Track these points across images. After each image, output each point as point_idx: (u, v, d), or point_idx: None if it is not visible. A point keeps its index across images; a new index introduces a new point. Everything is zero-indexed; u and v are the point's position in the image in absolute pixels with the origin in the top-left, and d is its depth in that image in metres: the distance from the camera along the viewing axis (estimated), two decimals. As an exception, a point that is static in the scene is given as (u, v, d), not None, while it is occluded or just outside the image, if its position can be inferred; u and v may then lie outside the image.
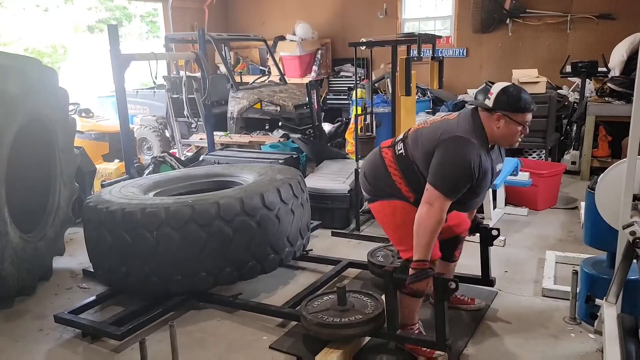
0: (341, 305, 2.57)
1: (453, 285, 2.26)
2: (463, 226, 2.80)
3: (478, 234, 2.96)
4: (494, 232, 2.92)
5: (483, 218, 2.99)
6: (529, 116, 2.35)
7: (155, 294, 3.03)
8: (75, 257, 3.97)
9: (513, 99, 2.31)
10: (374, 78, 6.78)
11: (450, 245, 2.77)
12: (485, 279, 3.05)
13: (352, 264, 3.55)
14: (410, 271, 2.32)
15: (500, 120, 2.33)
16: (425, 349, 2.49)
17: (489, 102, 2.34)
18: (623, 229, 2.22)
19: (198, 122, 6.52)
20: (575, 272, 2.78)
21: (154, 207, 2.91)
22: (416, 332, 2.56)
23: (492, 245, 2.98)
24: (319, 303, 2.66)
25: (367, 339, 2.67)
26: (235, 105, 6.58)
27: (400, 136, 2.58)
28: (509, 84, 2.38)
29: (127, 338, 2.74)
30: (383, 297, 2.52)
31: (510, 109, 2.31)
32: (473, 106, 2.45)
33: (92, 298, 3.18)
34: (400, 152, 2.48)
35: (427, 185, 2.31)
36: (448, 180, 2.28)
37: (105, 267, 3.11)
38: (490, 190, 4.28)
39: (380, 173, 2.52)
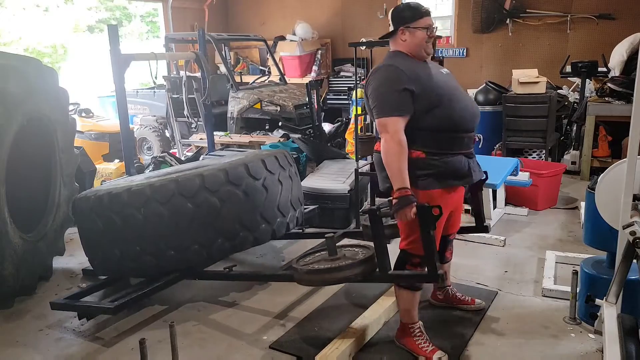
0: (332, 255, 2.52)
1: (437, 212, 2.21)
2: (454, 228, 2.78)
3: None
4: (482, 176, 2.74)
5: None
6: (428, 19, 2.46)
7: (151, 273, 3.03)
8: (75, 257, 3.97)
9: (404, 10, 2.46)
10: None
11: (440, 247, 2.75)
12: (479, 225, 2.96)
13: (348, 234, 3.55)
14: (393, 201, 2.29)
15: (404, 34, 2.45)
16: (425, 349, 2.49)
17: (390, 29, 2.50)
18: (623, 229, 2.22)
19: (198, 122, 6.52)
20: (575, 272, 2.78)
21: (139, 186, 2.94)
22: (417, 330, 2.56)
23: (482, 190, 2.90)
24: (311, 258, 2.62)
25: (368, 338, 2.67)
26: (235, 105, 6.58)
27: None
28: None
29: (121, 326, 2.73)
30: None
31: (407, 20, 2.44)
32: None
33: (90, 284, 3.22)
34: (378, 135, 2.54)
35: (375, 121, 2.39)
36: (382, 100, 2.35)
37: (100, 254, 3.12)
38: (490, 189, 4.28)
39: (379, 158, 2.50)
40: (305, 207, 3.73)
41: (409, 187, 2.28)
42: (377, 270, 2.43)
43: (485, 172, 2.73)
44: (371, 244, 2.46)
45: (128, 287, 3.14)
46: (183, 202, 2.88)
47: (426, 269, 2.35)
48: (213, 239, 2.96)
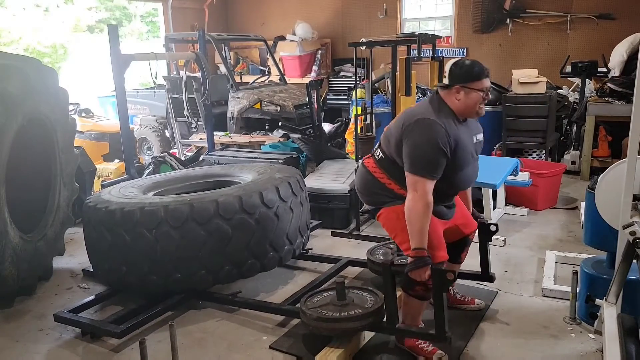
0: (340, 300, 2.56)
1: (451, 276, 2.24)
2: (470, 227, 2.79)
3: (477, 231, 2.95)
4: (493, 228, 2.90)
5: (483, 218, 2.98)
6: (486, 82, 2.42)
7: (155, 292, 3.03)
8: (75, 257, 3.97)
9: (466, 70, 2.41)
10: (374, 78, 6.78)
11: (458, 247, 2.77)
12: (485, 275, 3.03)
13: (352, 263, 3.55)
14: (409, 260, 2.32)
15: (459, 92, 2.40)
16: (425, 349, 2.49)
17: (446, 80, 2.45)
18: (623, 229, 2.22)
19: (198, 122, 6.52)
20: (575, 272, 2.78)
21: (152, 206, 2.92)
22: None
23: (490, 241, 2.97)
24: (319, 299, 2.65)
25: (367, 338, 2.67)
26: (235, 105, 6.58)
27: (377, 144, 2.65)
28: (459, 58, 2.46)
29: (127, 337, 2.74)
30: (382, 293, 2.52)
31: (466, 80, 2.39)
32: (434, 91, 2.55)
33: (92, 297, 3.18)
34: (380, 156, 2.55)
35: (406, 173, 2.35)
36: (421, 161, 2.32)
37: (105, 266, 3.11)
38: (490, 190, 4.28)
39: (370, 182, 2.57)
40: (310, 221, 3.74)
41: (426, 247, 2.31)
42: (385, 321, 2.48)
43: (493, 224, 2.89)
44: (377, 279, 2.56)
45: (131, 302, 3.09)
46: (196, 227, 2.87)
47: (434, 329, 2.37)
48: (221, 265, 2.98)
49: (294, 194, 3.30)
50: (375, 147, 2.65)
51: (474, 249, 3.05)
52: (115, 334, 2.70)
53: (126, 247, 2.92)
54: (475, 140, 2.55)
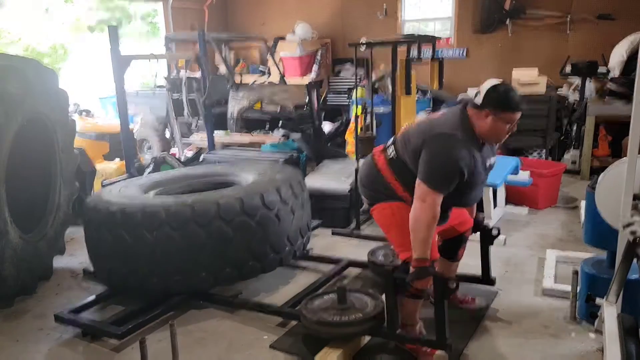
0: (341, 304, 2.57)
1: (453, 285, 2.26)
2: (466, 225, 2.79)
3: (479, 234, 2.96)
4: (494, 232, 2.93)
5: (484, 217, 2.99)
6: (518, 115, 2.37)
7: (156, 293, 3.03)
8: (75, 256, 3.97)
9: (502, 98, 2.32)
10: (374, 78, 6.78)
11: (454, 245, 2.78)
12: (486, 278, 3.05)
13: (353, 264, 3.54)
14: (411, 269, 2.32)
15: (488, 117, 2.33)
16: (425, 349, 2.49)
17: (479, 99, 2.35)
18: (623, 228, 2.22)
19: (198, 122, 6.52)
20: (576, 272, 2.78)
21: (154, 207, 2.92)
22: (417, 331, 2.55)
23: (492, 244, 2.98)
24: (319, 302, 2.66)
25: (367, 338, 2.67)
26: (235, 105, 6.58)
27: (391, 140, 2.61)
28: (499, 81, 2.40)
29: (127, 337, 2.74)
30: (383, 296, 2.52)
31: (499, 108, 2.31)
32: (461, 104, 2.48)
33: (92, 297, 3.18)
34: (391, 156, 2.52)
35: (418, 181, 2.33)
36: (437, 175, 2.30)
37: (106, 266, 3.11)
38: (491, 189, 4.28)
39: (376, 177, 2.56)
40: (311, 220, 3.73)
41: (429, 257, 2.31)
42: (386, 326, 2.48)
43: (495, 228, 2.93)
44: (377, 279, 2.59)
45: (132, 303, 3.08)
46: (197, 229, 2.87)
47: (435, 335, 2.38)
48: (221, 267, 2.98)
49: (295, 195, 3.29)
50: (389, 143, 2.59)
51: (475, 250, 3.05)
52: (116, 335, 2.70)
53: (127, 248, 2.92)
54: (488, 164, 2.53)
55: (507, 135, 2.41)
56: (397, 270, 2.42)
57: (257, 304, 3.04)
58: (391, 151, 2.53)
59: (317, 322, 2.49)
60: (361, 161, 4.33)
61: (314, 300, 2.69)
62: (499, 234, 2.94)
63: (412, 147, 2.41)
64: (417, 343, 2.50)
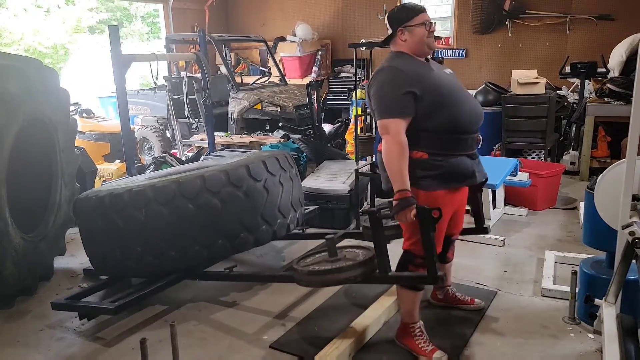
0: (332, 256, 2.52)
1: (437, 214, 2.22)
2: (457, 227, 2.77)
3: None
4: (485, 177, 2.72)
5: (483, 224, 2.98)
6: (424, 15, 2.46)
7: (152, 273, 3.04)
8: (76, 257, 3.98)
9: (397, 12, 2.47)
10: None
11: (443, 248, 2.76)
12: (479, 226, 2.95)
13: (348, 234, 3.55)
14: (393, 202, 2.30)
15: (403, 34, 2.44)
16: (425, 349, 2.50)
17: (388, 32, 2.50)
18: (622, 229, 2.23)
19: (199, 123, 6.53)
20: (575, 272, 2.79)
21: (140, 187, 2.95)
22: (417, 330, 2.56)
23: (481, 192, 2.87)
24: (311, 259, 2.63)
25: (368, 337, 2.68)
26: (235, 105, 6.59)
27: None
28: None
29: (125, 333, 2.74)
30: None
31: (402, 21, 2.44)
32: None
33: (91, 284, 3.22)
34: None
35: (377, 123, 2.39)
36: (385, 101, 2.35)
37: (101, 254, 3.13)
38: (490, 190, 4.29)
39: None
40: (305, 207, 3.74)
41: (409, 188, 2.28)
42: (377, 271, 2.43)
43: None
44: (371, 244, 2.46)
45: (129, 287, 3.14)
46: (184, 203, 2.89)
47: (426, 271, 2.35)
48: (214, 240, 2.97)
49: (282, 168, 3.29)
50: None
51: (475, 250, 3.06)
52: (110, 310, 2.73)
53: (119, 231, 2.94)
54: (447, 73, 2.56)
55: (432, 38, 2.48)
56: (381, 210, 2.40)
57: (252, 274, 3.03)
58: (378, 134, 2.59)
59: (309, 272, 2.45)
60: (361, 162, 4.37)
61: (306, 258, 2.66)
62: (486, 180, 2.71)
63: (369, 104, 2.50)
64: (409, 281, 2.48)
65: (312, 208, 4.05)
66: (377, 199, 4.52)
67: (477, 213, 2.92)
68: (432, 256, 2.28)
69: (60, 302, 2.94)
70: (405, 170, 2.29)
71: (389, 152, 2.30)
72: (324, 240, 2.60)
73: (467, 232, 3.05)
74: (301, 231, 3.62)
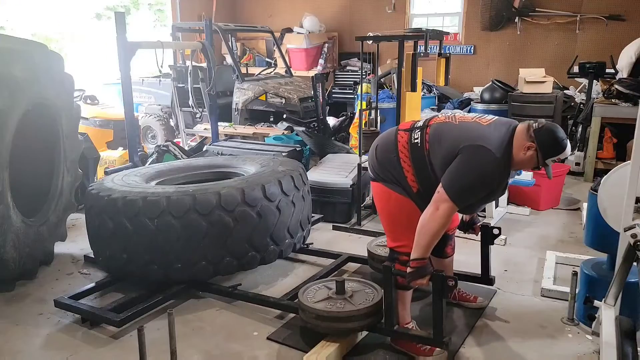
0: (339, 294, 2.57)
1: (452, 283, 2.27)
2: (452, 223, 2.78)
3: (480, 233, 2.94)
4: (495, 231, 2.92)
5: (484, 217, 2.98)
6: (551, 164, 2.33)
7: (155, 281, 3.05)
8: (76, 242, 3.99)
9: (555, 145, 2.26)
10: (380, 73, 6.76)
11: (440, 244, 2.74)
12: (485, 277, 3.05)
13: (352, 258, 3.55)
14: (409, 269, 2.32)
15: (529, 150, 2.26)
16: (423, 349, 2.48)
17: (535, 126, 2.27)
18: (624, 231, 2.21)
19: (203, 112, 6.53)
20: (575, 273, 2.78)
21: (155, 196, 2.93)
22: (412, 330, 2.55)
23: (492, 244, 2.97)
24: (317, 291, 2.65)
25: (363, 334, 2.67)
26: (240, 96, 6.58)
27: (420, 123, 2.47)
28: (557, 127, 2.32)
29: (126, 325, 2.75)
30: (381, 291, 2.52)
31: (545, 151, 2.26)
32: (512, 124, 2.36)
33: (92, 284, 3.19)
34: (415, 141, 2.39)
35: (439, 187, 2.26)
36: (463, 188, 2.24)
37: (107, 253, 3.13)
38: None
39: (391, 154, 2.45)
40: (312, 215, 3.74)
41: (428, 257, 2.31)
42: (383, 322, 2.49)
43: (496, 227, 2.92)
44: (375, 275, 2.57)
45: (132, 290, 3.10)
46: (197, 218, 2.88)
47: (432, 333, 2.37)
48: (222, 256, 2.99)
49: (297, 187, 3.30)
50: (417, 126, 2.44)
51: (475, 248, 3.05)
52: (115, 322, 2.72)
53: (128, 235, 2.94)
54: (505, 183, 2.49)
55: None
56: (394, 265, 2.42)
57: (256, 295, 3.05)
58: (417, 136, 2.39)
59: (317, 316, 2.49)
60: (364, 156, 4.35)
61: (311, 287, 2.70)
62: (499, 233, 2.92)
63: (446, 147, 2.29)
64: (414, 340, 2.49)
65: (317, 217, 4.06)
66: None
67: (485, 264, 3.01)
68: (441, 321, 2.32)
69: (64, 301, 2.91)
70: (432, 246, 2.30)
71: (427, 226, 2.26)
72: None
73: (471, 279, 3.11)
74: (306, 247, 3.63)
